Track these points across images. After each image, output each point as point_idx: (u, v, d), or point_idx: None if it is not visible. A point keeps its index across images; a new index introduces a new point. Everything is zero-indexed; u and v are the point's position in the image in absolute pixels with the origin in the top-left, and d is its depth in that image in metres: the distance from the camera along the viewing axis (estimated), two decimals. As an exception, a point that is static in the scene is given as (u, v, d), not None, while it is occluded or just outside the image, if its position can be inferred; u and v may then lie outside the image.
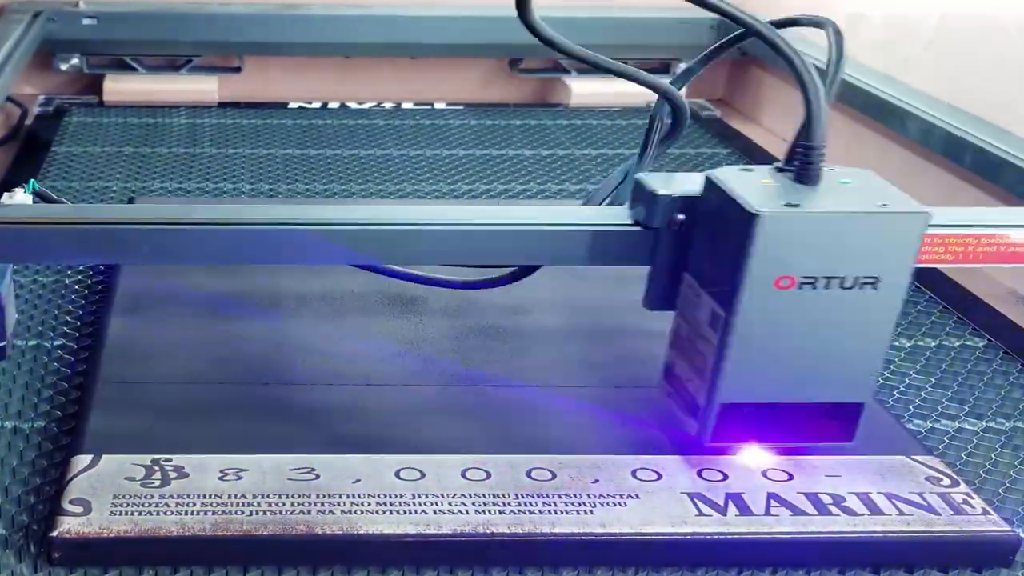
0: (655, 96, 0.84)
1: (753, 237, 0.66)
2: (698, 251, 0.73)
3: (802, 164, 0.71)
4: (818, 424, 0.73)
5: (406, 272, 0.89)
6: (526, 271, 0.84)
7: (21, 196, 0.84)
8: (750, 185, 0.70)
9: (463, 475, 0.74)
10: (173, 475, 0.73)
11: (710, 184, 0.71)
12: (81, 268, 1.07)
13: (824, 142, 0.71)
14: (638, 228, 0.75)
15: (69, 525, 0.68)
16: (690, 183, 0.74)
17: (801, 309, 0.69)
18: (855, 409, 0.73)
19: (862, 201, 0.69)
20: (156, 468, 0.73)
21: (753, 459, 0.76)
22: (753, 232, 0.66)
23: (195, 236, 0.76)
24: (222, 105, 1.68)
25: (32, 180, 0.87)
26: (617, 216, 0.77)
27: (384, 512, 0.70)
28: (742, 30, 0.76)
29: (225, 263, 0.89)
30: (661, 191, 0.73)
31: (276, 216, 0.76)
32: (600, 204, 0.87)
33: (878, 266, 0.68)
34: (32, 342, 0.93)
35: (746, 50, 1.73)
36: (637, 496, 0.73)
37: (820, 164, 0.71)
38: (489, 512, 0.70)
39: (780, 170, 0.72)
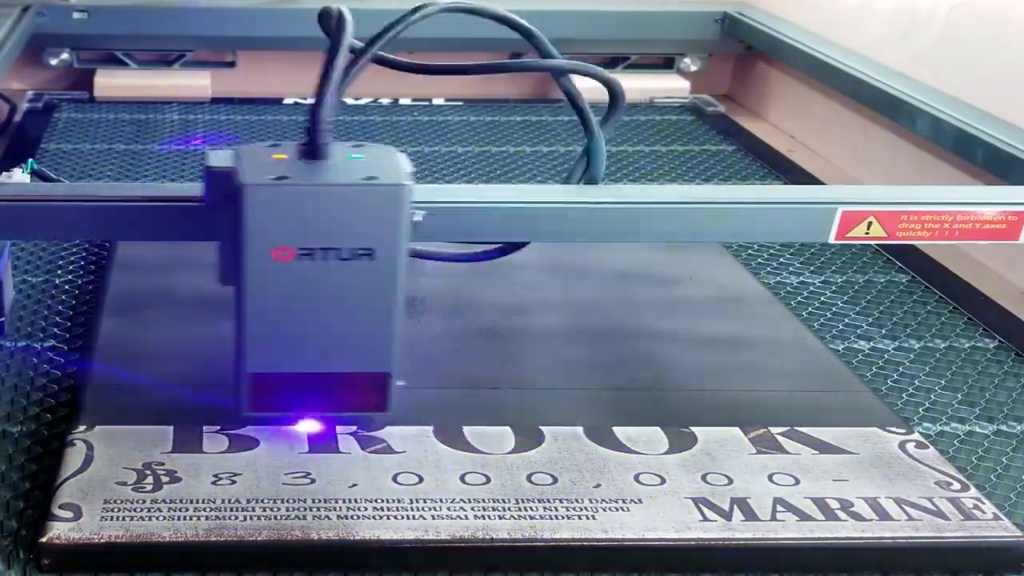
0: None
1: (243, 207, 0.69)
2: (232, 225, 0.74)
3: (309, 140, 0.74)
4: (351, 394, 0.76)
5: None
6: (515, 247, 0.88)
7: (19, 175, 0.85)
8: (257, 159, 0.73)
9: (462, 479, 0.74)
10: (165, 479, 0.73)
11: (234, 157, 0.74)
12: (71, 269, 1.07)
13: (330, 117, 0.74)
14: (200, 204, 0.78)
15: (59, 531, 0.68)
16: (229, 158, 0.75)
17: (304, 280, 0.72)
18: (382, 378, 0.75)
19: (351, 174, 0.71)
20: (148, 472, 0.73)
21: (307, 426, 0.79)
22: (243, 202, 0.69)
23: (190, 213, 0.78)
24: (215, 101, 1.68)
25: (30, 159, 0.88)
26: (188, 191, 0.79)
27: (381, 517, 0.70)
28: None
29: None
30: (213, 164, 0.75)
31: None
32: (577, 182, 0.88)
33: (370, 237, 0.71)
34: (21, 343, 0.93)
35: (751, 44, 1.73)
36: (640, 501, 0.73)
37: (326, 139, 0.73)
38: (488, 517, 0.71)
39: (301, 146, 0.75)
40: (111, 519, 0.69)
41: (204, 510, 0.70)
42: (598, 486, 0.74)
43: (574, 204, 0.83)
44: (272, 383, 0.75)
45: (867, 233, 0.82)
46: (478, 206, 0.83)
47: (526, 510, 0.71)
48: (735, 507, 0.72)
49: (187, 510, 0.70)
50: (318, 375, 0.75)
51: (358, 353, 0.75)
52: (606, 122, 0.87)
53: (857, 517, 0.72)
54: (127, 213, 0.79)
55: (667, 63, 1.80)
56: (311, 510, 0.70)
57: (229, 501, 0.71)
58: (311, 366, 0.75)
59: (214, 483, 0.72)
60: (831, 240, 0.83)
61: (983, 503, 0.74)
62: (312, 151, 0.73)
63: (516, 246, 0.89)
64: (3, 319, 0.84)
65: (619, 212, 0.83)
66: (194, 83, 1.69)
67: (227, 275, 0.75)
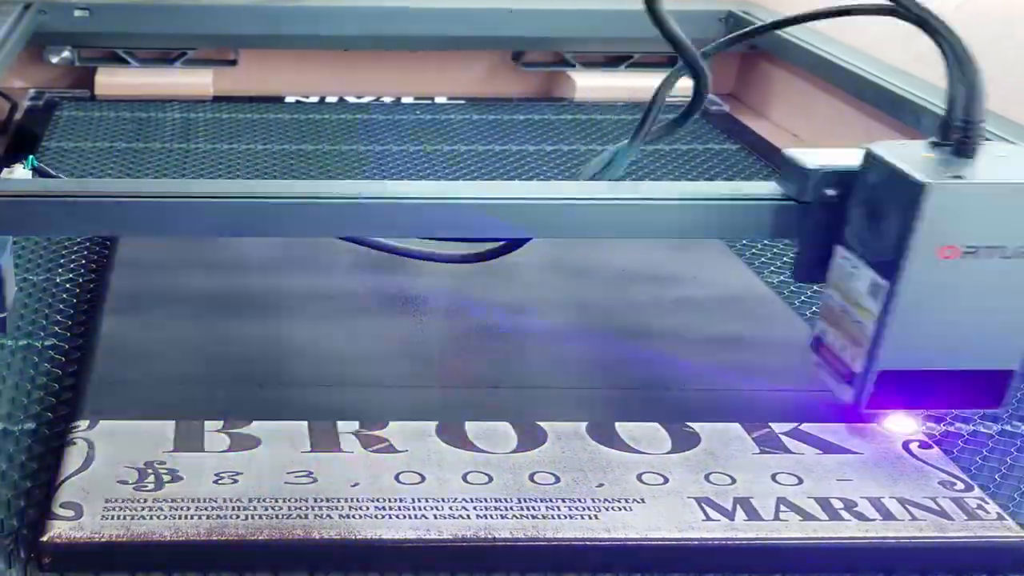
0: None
1: (920, 207, 0.70)
2: (855, 224, 0.76)
3: (962, 138, 0.75)
4: (969, 390, 0.77)
5: (394, 246, 0.93)
6: (509, 246, 0.89)
7: (21, 171, 0.86)
8: (913, 158, 0.73)
9: (464, 479, 0.74)
10: (167, 478, 0.73)
11: (871, 158, 0.75)
12: (72, 268, 1.08)
13: (983, 116, 0.75)
14: (791, 202, 0.79)
15: (60, 530, 0.68)
16: (842, 158, 0.78)
17: (962, 278, 0.73)
18: (1005, 376, 0.76)
19: (1022, 172, 0.72)
20: (149, 471, 0.73)
21: (898, 425, 0.80)
22: (920, 202, 0.70)
23: (192, 209, 0.79)
24: (217, 99, 1.68)
25: (31, 156, 0.89)
26: (770, 190, 0.81)
27: (383, 516, 0.70)
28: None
29: (220, 235, 0.91)
30: (811, 165, 0.78)
31: (271, 190, 0.80)
32: (590, 179, 0.89)
33: None
34: (22, 342, 0.94)
35: (756, 44, 1.73)
36: (643, 500, 0.73)
37: (979, 138, 0.75)
38: (491, 516, 0.71)
39: (936, 145, 0.76)
40: (112, 518, 0.69)
41: (205, 509, 0.70)
42: (601, 485, 0.74)
43: (588, 200, 0.84)
44: (895, 380, 0.76)
45: None
46: (480, 202, 0.83)
47: (528, 509, 0.71)
48: (738, 507, 0.72)
49: (188, 509, 0.70)
50: (945, 372, 0.76)
51: (989, 350, 0.76)
52: (684, 122, 0.90)
53: (861, 517, 0.72)
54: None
55: (671, 62, 1.80)
56: (313, 509, 0.70)
57: (230, 500, 0.71)
58: (940, 363, 0.76)
59: (215, 482, 0.73)
60: None
61: (987, 503, 0.74)
62: (964, 149, 0.75)
63: (517, 244, 0.89)
64: (5, 314, 0.85)
65: (623, 208, 0.83)
66: (196, 81, 1.69)
67: (808, 273, 0.80)
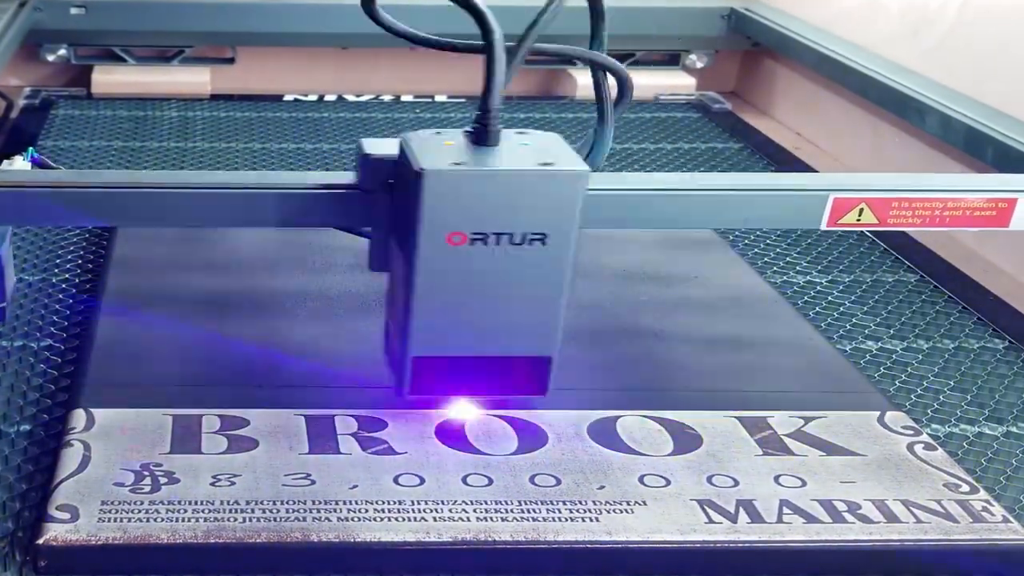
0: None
1: (421, 193, 0.71)
2: (394, 212, 0.77)
3: (480, 126, 0.75)
4: (511, 377, 0.78)
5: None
6: None
7: (20, 163, 0.87)
8: (430, 145, 0.74)
9: (464, 481, 0.74)
10: (163, 480, 0.73)
11: (402, 145, 0.76)
12: (68, 267, 1.08)
13: (498, 105, 0.75)
14: (357, 191, 0.79)
15: (56, 532, 0.68)
16: (394, 147, 0.77)
17: (475, 265, 0.73)
18: (544, 362, 0.77)
19: (528, 160, 0.73)
20: (146, 473, 0.73)
21: (462, 412, 0.81)
22: (421, 188, 0.71)
23: (191, 199, 0.79)
24: (215, 97, 1.68)
25: (30, 148, 0.90)
26: (341, 178, 0.81)
27: (382, 519, 0.70)
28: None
29: (219, 226, 0.91)
30: (373, 153, 0.77)
31: (269, 181, 0.81)
32: None
33: (544, 222, 0.73)
34: (18, 343, 0.94)
35: (758, 41, 1.73)
36: (644, 503, 0.73)
37: (496, 126, 0.75)
38: (491, 519, 0.71)
39: (469, 133, 0.76)
40: (109, 520, 0.69)
41: (203, 511, 0.70)
42: (602, 488, 0.74)
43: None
44: (433, 366, 0.77)
45: (859, 220, 0.84)
46: None
47: (529, 512, 0.71)
48: (741, 509, 0.72)
49: (186, 511, 0.70)
50: (481, 359, 0.77)
51: (522, 337, 0.76)
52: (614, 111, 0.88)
53: (864, 520, 0.72)
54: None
55: (673, 60, 1.80)
56: (311, 512, 0.70)
57: (228, 502, 0.71)
58: (473, 349, 0.77)
59: (213, 484, 0.73)
60: (823, 227, 0.84)
61: (992, 505, 0.74)
62: (482, 138, 0.75)
63: None
64: (4, 304, 0.86)
65: (614, 198, 0.83)
66: (193, 79, 1.70)
67: (379, 262, 0.79)
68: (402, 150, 0.75)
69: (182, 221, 0.84)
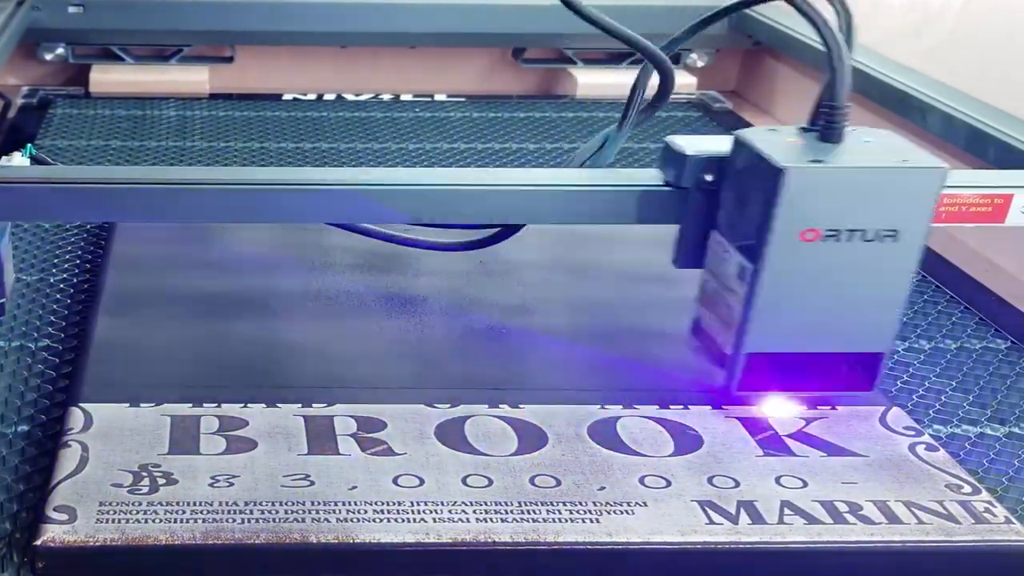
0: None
1: (780, 191, 0.72)
2: (726, 208, 0.78)
3: (826, 123, 0.77)
4: (840, 373, 0.79)
5: (388, 234, 0.95)
6: (506, 233, 0.91)
7: (19, 160, 0.87)
8: (777, 143, 0.76)
9: (464, 481, 0.74)
10: (162, 481, 0.73)
11: (738, 143, 0.77)
12: (66, 267, 1.08)
13: (847, 102, 0.77)
14: (669, 188, 0.81)
15: (53, 533, 0.68)
16: (717, 144, 0.79)
17: (825, 261, 0.74)
18: (876, 359, 0.78)
19: (883, 157, 0.75)
20: (144, 474, 0.73)
21: (777, 409, 0.82)
22: (780, 186, 0.72)
23: (188, 195, 0.80)
24: (213, 97, 1.68)
25: (29, 144, 0.91)
26: (649, 177, 0.83)
27: (381, 520, 0.70)
28: None
29: (219, 221, 0.92)
30: (690, 151, 0.79)
31: (267, 177, 0.82)
32: (579, 167, 0.90)
33: (897, 219, 0.74)
34: (16, 343, 0.94)
35: (759, 39, 1.73)
36: (645, 504, 0.73)
37: (843, 123, 0.77)
38: (491, 520, 0.71)
39: (805, 130, 0.78)
40: (106, 522, 0.69)
41: (201, 513, 0.70)
42: (602, 488, 0.74)
43: (577, 186, 0.85)
44: (765, 362, 0.78)
45: None
46: (478, 189, 0.85)
47: (529, 513, 0.71)
48: (742, 510, 0.72)
49: (184, 513, 0.70)
50: (814, 355, 0.78)
51: (859, 333, 0.77)
52: (654, 109, 0.90)
53: (866, 520, 0.72)
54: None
55: (673, 58, 1.79)
56: (310, 513, 0.70)
57: (227, 503, 0.71)
58: (809, 345, 0.78)
59: (211, 485, 0.73)
60: None
61: (994, 507, 0.74)
62: (828, 135, 0.77)
63: (511, 231, 0.91)
64: (3, 299, 0.86)
65: (612, 195, 0.84)
66: (192, 79, 1.69)
67: (690, 259, 0.81)
68: (741, 148, 0.77)
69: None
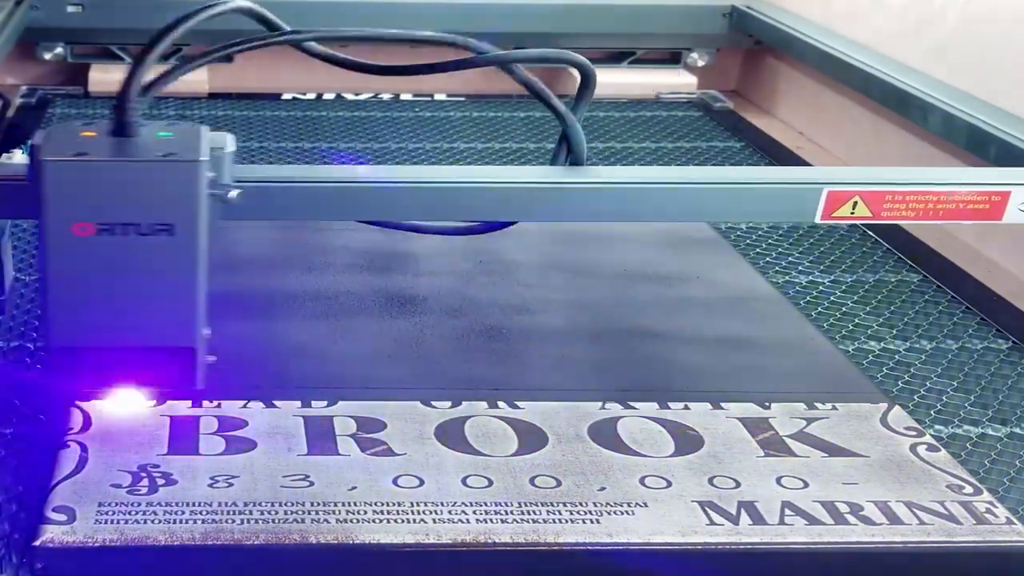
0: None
1: (43, 183, 0.71)
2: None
3: (116, 118, 0.76)
4: (159, 368, 0.77)
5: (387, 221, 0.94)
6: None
7: (20, 156, 0.87)
8: (65, 136, 0.75)
9: (464, 482, 0.74)
10: (161, 481, 0.73)
11: (45, 135, 0.75)
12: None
13: (135, 97, 0.76)
14: (24, 182, 0.78)
15: (52, 534, 0.68)
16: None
17: (104, 255, 0.73)
18: (189, 353, 0.77)
19: (150, 151, 0.73)
20: (143, 474, 0.73)
21: (126, 404, 0.81)
22: (42, 178, 0.71)
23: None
24: (213, 96, 1.68)
25: (29, 141, 0.91)
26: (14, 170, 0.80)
27: (381, 521, 0.70)
28: None
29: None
30: (36, 142, 0.76)
31: (265, 175, 0.82)
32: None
33: (169, 213, 0.73)
34: (15, 343, 0.94)
35: (760, 39, 1.73)
36: (645, 504, 0.73)
37: (134, 119, 0.75)
38: (491, 521, 0.71)
39: (111, 123, 0.77)
40: (106, 522, 0.69)
41: (200, 513, 0.70)
42: (603, 489, 0.74)
43: (561, 184, 0.85)
44: (76, 356, 0.76)
45: (852, 213, 0.84)
46: (467, 185, 0.84)
47: (529, 513, 0.71)
48: (742, 511, 0.72)
49: (183, 513, 0.70)
50: (123, 349, 0.77)
51: (162, 327, 0.76)
52: (577, 105, 0.87)
53: (867, 521, 0.72)
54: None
55: (674, 58, 1.80)
56: (309, 513, 0.70)
57: (226, 504, 0.71)
58: (115, 340, 0.76)
59: (211, 486, 0.73)
60: (817, 219, 0.85)
61: (996, 507, 0.74)
62: (120, 129, 0.75)
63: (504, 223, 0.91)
64: (3, 297, 0.86)
65: (607, 191, 0.84)
66: (191, 78, 1.68)
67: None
68: (39, 140, 0.75)
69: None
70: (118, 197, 0.72)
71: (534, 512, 0.71)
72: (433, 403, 0.83)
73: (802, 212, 0.86)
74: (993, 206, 0.85)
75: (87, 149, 0.72)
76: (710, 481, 0.75)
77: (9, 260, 0.86)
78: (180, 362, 0.77)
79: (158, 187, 0.72)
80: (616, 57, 1.77)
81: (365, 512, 0.71)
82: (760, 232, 1.22)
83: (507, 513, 0.71)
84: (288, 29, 0.85)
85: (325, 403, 0.82)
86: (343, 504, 0.71)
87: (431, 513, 0.71)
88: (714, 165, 1.45)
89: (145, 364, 0.77)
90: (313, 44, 0.89)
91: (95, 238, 0.72)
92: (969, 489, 0.76)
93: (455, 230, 0.94)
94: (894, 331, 1.02)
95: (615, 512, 0.72)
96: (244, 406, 0.82)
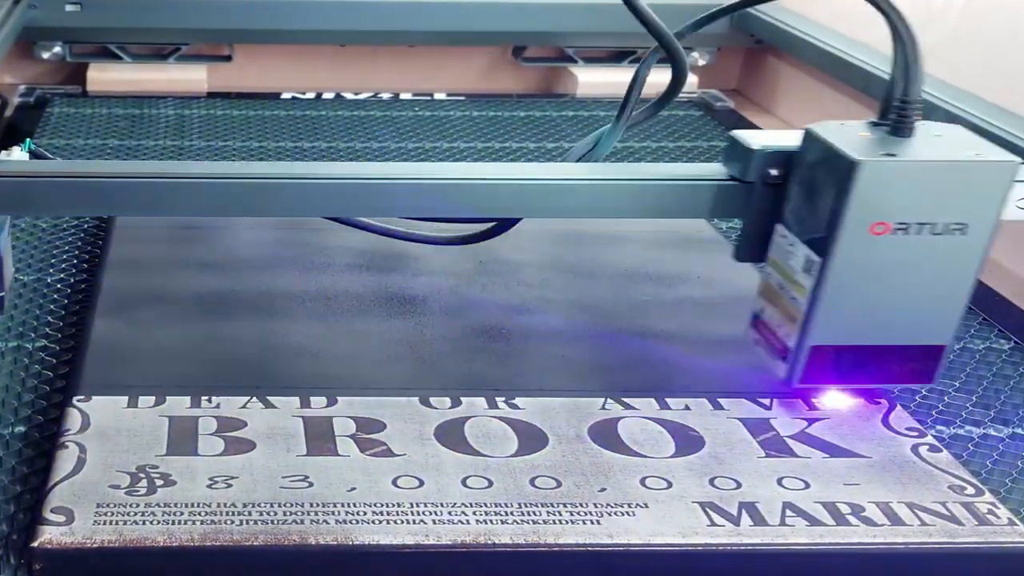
0: (663, 86, 0.88)
1: (853, 184, 0.73)
2: (794, 202, 0.79)
3: (898, 117, 0.78)
4: (901, 366, 0.80)
5: (385, 228, 0.97)
6: (502, 228, 0.93)
7: (18, 154, 0.88)
8: (849, 137, 0.77)
9: (463, 483, 0.74)
10: (159, 483, 0.73)
11: (810, 137, 0.78)
12: (63, 268, 1.08)
13: (920, 96, 0.77)
14: (734, 182, 0.82)
15: (51, 535, 0.68)
16: (784, 139, 0.81)
17: (893, 254, 0.75)
18: (937, 351, 0.79)
19: (955, 151, 0.75)
20: (142, 475, 0.73)
21: (835, 401, 0.83)
22: (853, 179, 0.73)
23: (187, 189, 0.82)
24: (211, 95, 1.68)
25: (28, 139, 0.91)
26: (713, 172, 0.84)
27: (381, 521, 0.70)
28: None
29: (216, 215, 0.93)
30: (756, 146, 0.81)
31: (263, 171, 0.83)
32: (576, 161, 0.91)
33: (966, 212, 0.75)
34: (13, 343, 0.94)
35: (761, 38, 1.73)
36: (646, 505, 0.73)
37: (915, 118, 0.77)
38: (491, 522, 0.71)
39: (875, 124, 0.79)
40: (104, 523, 0.69)
41: (199, 514, 0.70)
42: (603, 490, 0.74)
43: (573, 180, 0.86)
44: (828, 355, 0.79)
45: None
46: (472, 182, 0.85)
47: (529, 514, 0.71)
48: (743, 512, 0.72)
49: (182, 514, 0.70)
50: (877, 348, 0.79)
51: (921, 326, 0.78)
52: (664, 103, 0.91)
53: (869, 522, 0.72)
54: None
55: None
56: (309, 514, 0.70)
57: (225, 505, 0.71)
58: (872, 338, 0.79)
59: (209, 486, 0.73)
60: None
61: (998, 508, 0.74)
62: (900, 129, 0.78)
63: (505, 226, 0.92)
64: (3, 294, 0.87)
65: (608, 189, 0.84)
66: (189, 77, 1.69)
67: (748, 252, 0.83)
68: (812, 141, 0.78)
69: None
70: (921, 197, 0.74)
71: (534, 513, 0.71)
72: (433, 403, 0.83)
73: None
74: None
75: (887, 150, 0.75)
76: (711, 482, 0.75)
77: (9, 256, 0.87)
78: (927, 359, 0.79)
79: (964, 187, 0.74)
80: (616, 56, 1.76)
81: (364, 513, 0.71)
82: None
83: (507, 514, 0.71)
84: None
85: (324, 403, 0.82)
86: (342, 505, 0.71)
87: (431, 514, 0.71)
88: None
89: (891, 361, 0.80)
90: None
91: (889, 237, 0.75)
92: (971, 490, 0.76)
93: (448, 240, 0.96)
94: (896, 331, 1.02)
95: (616, 513, 0.72)
96: (243, 406, 0.82)
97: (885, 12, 0.78)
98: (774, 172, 0.81)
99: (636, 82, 0.90)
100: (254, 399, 0.82)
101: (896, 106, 0.78)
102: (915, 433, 0.82)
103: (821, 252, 0.76)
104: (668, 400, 0.85)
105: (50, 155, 0.94)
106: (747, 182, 0.82)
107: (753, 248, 0.83)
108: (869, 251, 0.75)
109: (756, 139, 0.82)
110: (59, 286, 1.04)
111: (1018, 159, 0.75)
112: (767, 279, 0.83)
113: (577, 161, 0.93)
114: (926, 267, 0.76)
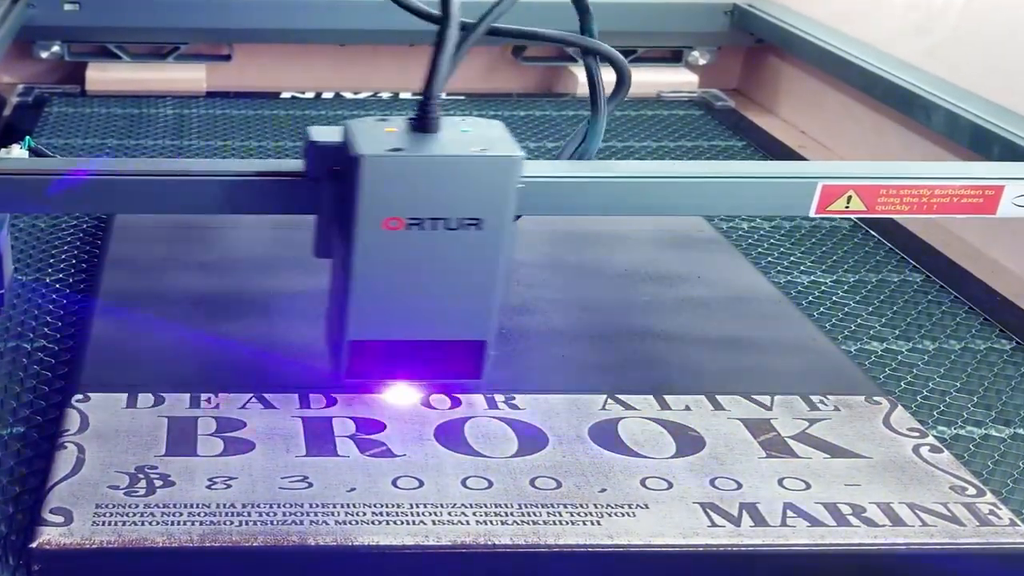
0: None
1: (359, 178, 0.73)
2: (337, 198, 0.79)
3: (420, 113, 0.78)
4: (446, 361, 0.80)
5: None
6: None
7: (17, 151, 0.88)
8: (372, 132, 0.77)
9: (463, 483, 0.74)
10: (159, 483, 0.73)
11: (345, 132, 0.78)
12: (62, 266, 1.08)
13: (439, 93, 0.78)
14: (303, 179, 0.81)
15: (49, 536, 0.68)
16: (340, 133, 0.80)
17: (411, 250, 0.75)
18: (479, 347, 0.79)
19: (463, 146, 0.75)
20: (141, 476, 0.73)
21: (400, 396, 0.83)
22: (359, 173, 0.73)
23: (187, 187, 0.82)
24: (211, 95, 1.68)
25: (27, 137, 0.92)
26: (288, 167, 0.83)
27: (380, 522, 0.70)
28: None
29: (216, 213, 0.93)
30: (319, 140, 0.79)
31: (266, 169, 0.83)
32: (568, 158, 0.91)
33: (479, 208, 0.75)
34: (12, 343, 0.94)
35: (762, 37, 1.73)
36: (646, 506, 0.73)
37: (436, 114, 0.77)
38: (491, 522, 0.71)
39: (411, 120, 0.79)
40: (103, 524, 0.69)
41: (198, 515, 0.70)
42: (603, 491, 0.74)
43: (562, 177, 0.86)
44: (371, 350, 0.79)
45: (847, 207, 0.85)
46: None
47: (529, 515, 0.71)
48: (744, 512, 0.72)
49: (181, 515, 0.70)
50: (417, 343, 0.79)
51: (457, 321, 0.78)
52: (610, 102, 0.89)
53: (870, 523, 0.72)
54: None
55: (675, 56, 1.80)
56: (308, 515, 0.70)
57: (224, 506, 0.71)
58: (410, 334, 0.79)
59: (209, 487, 0.73)
60: (812, 213, 0.86)
61: (999, 509, 0.74)
62: (423, 125, 0.77)
63: None
64: (2, 292, 0.87)
65: (606, 186, 0.84)
66: (189, 76, 1.69)
67: (323, 248, 0.81)
68: (345, 137, 0.77)
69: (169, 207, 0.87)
70: (429, 192, 0.74)
71: (534, 514, 0.71)
72: (432, 404, 0.83)
73: (797, 206, 0.86)
74: (987, 200, 0.85)
75: (398, 145, 0.75)
76: (711, 482, 0.75)
77: (8, 254, 0.87)
78: (470, 355, 0.80)
79: (472, 183, 0.74)
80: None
81: (364, 514, 0.71)
82: (762, 232, 1.22)
83: (507, 515, 0.71)
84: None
85: (324, 403, 0.82)
86: (342, 506, 0.71)
87: (431, 515, 0.71)
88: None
89: (435, 357, 0.80)
90: None
91: (404, 233, 0.75)
92: (972, 490, 0.76)
93: None
94: (896, 331, 1.02)
95: (616, 514, 0.72)
96: (242, 407, 0.82)
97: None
98: (337, 168, 0.79)
99: (595, 81, 0.91)
100: (253, 399, 0.82)
101: (419, 102, 0.78)
102: (916, 433, 0.82)
103: (347, 247, 0.76)
104: (668, 400, 0.85)
105: (50, 153, 0.94)
106: (312, 178, 0.81)
107: (324, 244, 0.82)
108: (386, 247, 0.75)
109: (321, 134, 0.80)
110: (58, 286, 1.04)
111: (522, 153, 0.75)
112: (331, 276, 0.83)
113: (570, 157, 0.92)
114: (447, 263, 0.76)
